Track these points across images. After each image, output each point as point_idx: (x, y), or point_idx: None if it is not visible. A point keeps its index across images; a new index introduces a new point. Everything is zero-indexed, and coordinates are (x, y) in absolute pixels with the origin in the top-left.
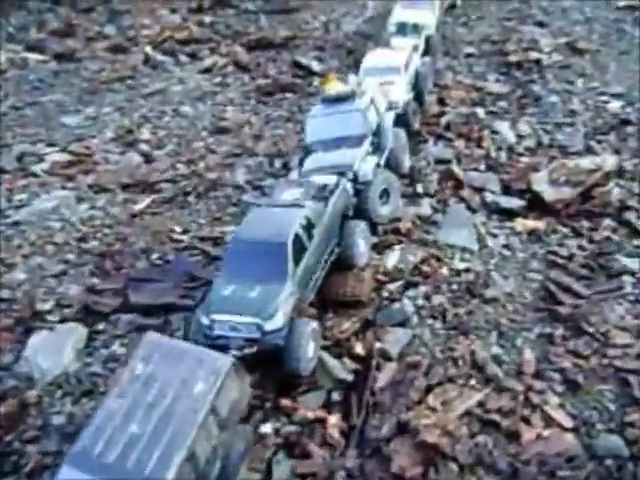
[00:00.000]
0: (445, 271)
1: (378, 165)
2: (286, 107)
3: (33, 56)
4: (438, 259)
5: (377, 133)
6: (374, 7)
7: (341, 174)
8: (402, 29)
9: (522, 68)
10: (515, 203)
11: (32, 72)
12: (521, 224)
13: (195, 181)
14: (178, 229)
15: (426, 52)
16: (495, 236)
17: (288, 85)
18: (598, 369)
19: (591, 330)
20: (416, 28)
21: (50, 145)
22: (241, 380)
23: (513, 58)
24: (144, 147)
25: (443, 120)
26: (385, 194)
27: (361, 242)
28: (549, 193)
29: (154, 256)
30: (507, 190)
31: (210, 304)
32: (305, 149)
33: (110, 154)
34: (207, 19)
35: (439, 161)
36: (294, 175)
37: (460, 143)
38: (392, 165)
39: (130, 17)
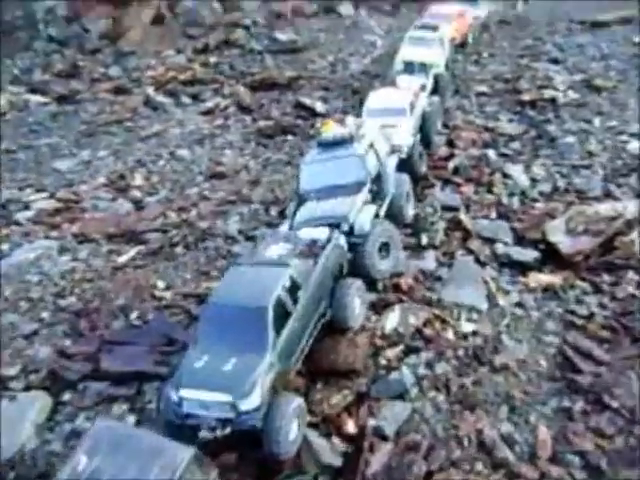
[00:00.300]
0: (450, 335)
1: (377, 215)
2: (287, 150)
3: (35, 98)
4: (443, 320)
5: (377, 180)
6: (382, 46)
7: (335, 226)
8: (409, 67)
9: (536, 107)
10: (529, 255)
11: (31, 114)
12: (535, 279)
13: (185, 230)
14: (161, 284)
15: (435, 91)
16: (507, 293)
17: (290, 127)
18: (624, 451)
19: (615, 404)
20: (424, 67)
21: (38, 191)
22: (205, 474)
23: (527, 97)
24: (136, 193)
25: (451, 163)
26: (385, 247)
27: (356, 303)
28: (566, 244)
29: (133, 315)
30: (520, 240)
31: (180, 377)
32: (298, 198)
33: (99, 201)
34: (212, 59)
35: (446, 208)
36: (284, 227)
37: (469, 188)
38: (394, 214)
39: (135, 58)
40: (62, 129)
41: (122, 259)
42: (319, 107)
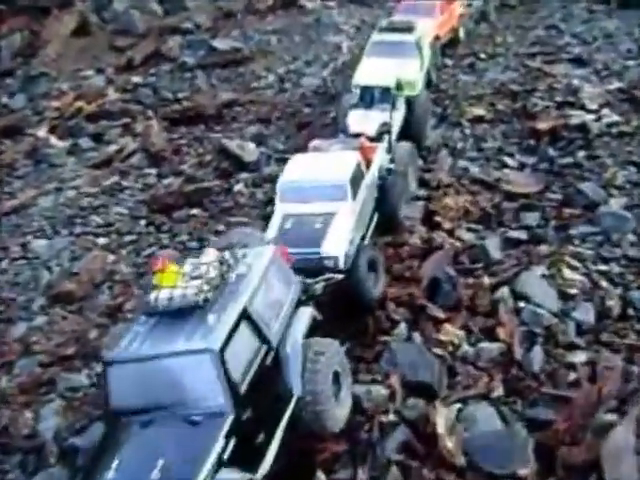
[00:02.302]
0: None
1: None
2: (183, 238)
3: None
4: None
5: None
6: (350, 49)
7: None
8: (367, 96)
9: (559, 140)
10: None
11: None
12: None
13: None
14: None
15: (407, 128)
16: None
17: (201, 192)
18: None
19: None
20: (388, 93)
21: None
22: None
23: (543, 124)
24: None
25: (427, 268)
26: None
27: None
28: None
29: None
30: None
31: None
32: None
33: None
34: (135, 79)
35: (409, 386)
36: None
37: (455, 330)
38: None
39: (47, 82)
40: None
41: None
42: (248, 154)
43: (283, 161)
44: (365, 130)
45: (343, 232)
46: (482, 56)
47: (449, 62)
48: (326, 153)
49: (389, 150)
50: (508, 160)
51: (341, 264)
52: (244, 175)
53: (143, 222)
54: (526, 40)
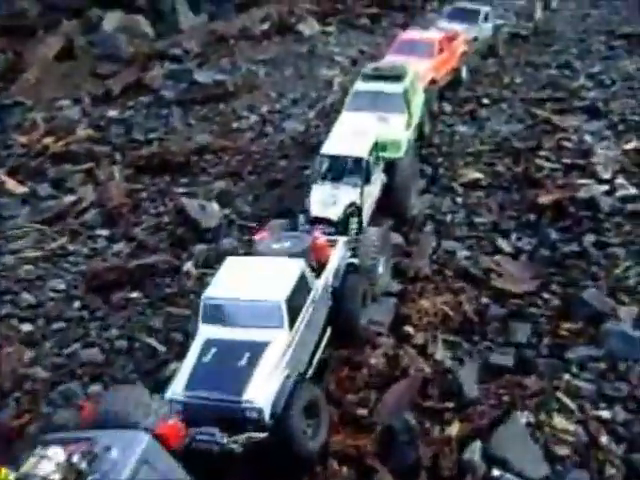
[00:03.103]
0: None
1: None
2: (113, 331)
3: None
4: None
5: None
6: (341, 85)
7: None
8: (337, 167)
9: (563, 218)
10: None
11: None
12: None
13: None
14: None
15: (388, 198)
16: None
17: (143, 271)
18: None
19: None
20: (360, 165)
21: None
22: None
23: (546, 197)
24: None
25: (385, 407)
26: None
27: None
28: None
29: None
30: None
31: None
32: None
33: None
34: (110, 112)
35: None
36: None
37: None
38: None
39: (21, 112)
40: None
41: None
42: (209, 219)
43: (245, 230)
44: (328, 214)
45: (274, 372)
46: (485, 101)
47: (447, 107)
48: (266, 258)
49: (357, 237)
50: (502, 243)
51: (267, 417)
52: (199, 247)
53: (77, 304)
54: (536, 81)
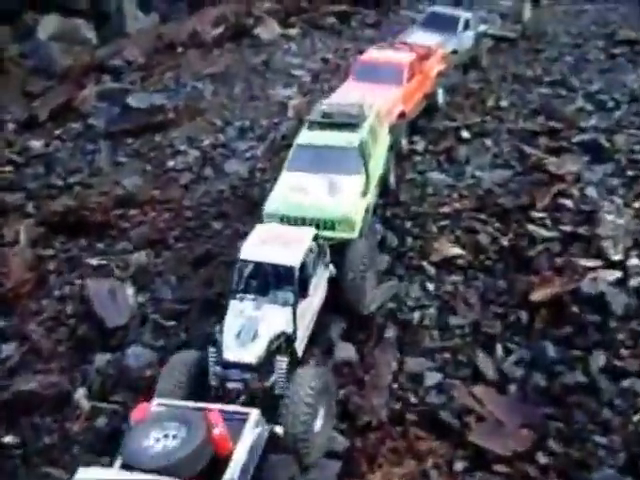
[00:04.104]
0: None
1: None
2: None
3: None
4: None
5: None
6: (298, 108)
7: None
8: (261, 278)
9: (562, 323)
10: None
11: None
12: None
13: None
14: None
15: (335, 292)
16: None
17: (22, 403)
18: None
19: None
20: (290, 276)
21: None
22: None
23: (540, 292)
24: None
25: None
26: None
27: None
28: None
29: None
30: None
31: None
32: None
33: None
34: (34, 143)
35: None
36: None
37: None
38: None
39: None
40: None
41: None
42: (117, 314)
43: (160, 331)
44: (243, 356)
45: None
46: (465, 134)
47: (420, 144)
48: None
49: (283, 385)
50: (485, 362)
51: None
52: (99, 358)
53: None
54: (525, 104)
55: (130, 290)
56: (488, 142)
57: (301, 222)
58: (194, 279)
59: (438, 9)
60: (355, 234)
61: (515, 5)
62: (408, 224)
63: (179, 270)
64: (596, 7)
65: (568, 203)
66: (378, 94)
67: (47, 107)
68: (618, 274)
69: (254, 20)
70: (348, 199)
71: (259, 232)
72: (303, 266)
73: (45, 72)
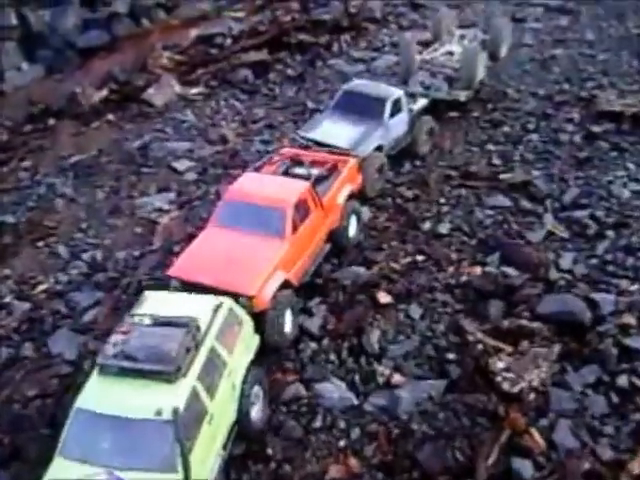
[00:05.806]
0: None
1: None
2: None
3: None
4: None
5: None
6: (169, 230)
7: None
8: None
9: None
10: None
11: None
12: None
13: None
14: None
15: None
16: None
17: None
18: None
19: None
20: None
21: None
22: None
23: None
24: None
25: None
26: None
27: None
28: None
29: None
30: None
31: None
32: None
33: None
34: None
35: None
36: None
37: None
38: None
39: None
40: None
41: None
42: None
43: None
44: None
45: None
46: (383, 299)
47: (314, 322)
48: None
49: None
50: None
51: None
52: None
53: None
54: (473, 231)
55: None
56: (416, 311)
57: None
58: None
59: (356, 87)
60: None
61: (466, 62)
62: None
63: None
64: (568, 52)
65: None
66: (242, 255)
67: None
68: None
69: (147, 79)
70: None
71: None
72: None
73: None
